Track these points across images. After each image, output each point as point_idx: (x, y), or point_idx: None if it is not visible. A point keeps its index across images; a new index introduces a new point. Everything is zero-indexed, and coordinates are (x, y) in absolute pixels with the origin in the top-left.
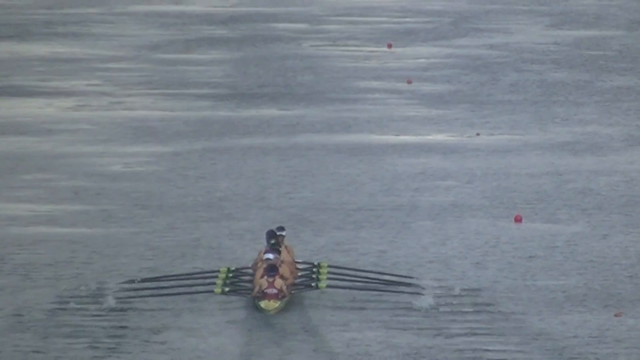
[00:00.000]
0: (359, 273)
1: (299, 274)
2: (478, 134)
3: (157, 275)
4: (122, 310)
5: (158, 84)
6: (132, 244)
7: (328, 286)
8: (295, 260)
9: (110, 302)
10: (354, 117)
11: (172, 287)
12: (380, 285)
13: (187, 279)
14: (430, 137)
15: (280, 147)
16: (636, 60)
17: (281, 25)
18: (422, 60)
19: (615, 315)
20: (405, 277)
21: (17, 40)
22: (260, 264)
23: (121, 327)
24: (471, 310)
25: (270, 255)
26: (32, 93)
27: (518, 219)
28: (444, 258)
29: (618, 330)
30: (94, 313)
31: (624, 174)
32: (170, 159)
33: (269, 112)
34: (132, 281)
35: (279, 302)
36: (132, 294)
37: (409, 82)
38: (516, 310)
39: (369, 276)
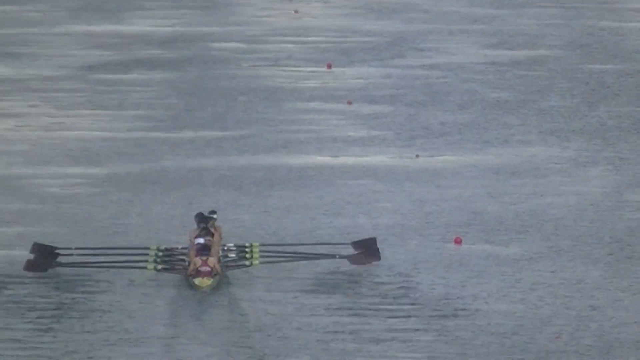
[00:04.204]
0: (288, 248)
1: (234, 254)
2: (417, 156)
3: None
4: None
5: (96, 104)
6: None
7: (261, 263)
8: (224, 242)
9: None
10: (293, 138)
11: (106, 261)
12: (308, 255)
13: (120, 254)
14: (369, 159)
15: (218, 168)
16: (574, 80)
17: (219, 45)
18: (362, 80)
19: (556, 338)
20: (335, 245)
21: None
22: (191, 245)
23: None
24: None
25: (201, 240)
26: None
27: (457, 241)
28: (380, 271)
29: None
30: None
31: (564, 196)
32: (107, 180)
33: (208, 133)
34: (69, 248)
35: (212, 280)
36: (67, 261)
37: (349, 102)
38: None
39: (298, 250)
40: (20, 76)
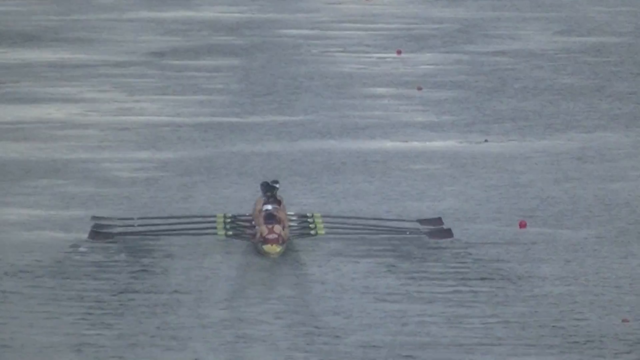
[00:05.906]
0: (352, 220)
1: (295, 224)
2: (486, 141)
3: (154, 216)
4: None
5: (165, 90)
6: None
7: (326, 233)
8: (287, 212)
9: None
10: (361, 124)
11: (174, 228)
12: (378, 230)
13: (187, 222)
14: (438, 144)
15: (285, 153)
16: None
17: (289, 32)
18: (432, 66)
19: (623, 321)
20: (403, 221)
21: (26, 47)
22: (258, 213)
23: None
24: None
25: (269, 207)
26: (41, 99)
27: (523, 225)
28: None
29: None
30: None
31: (633, 181)
32: (174, 165)
33: (276, 118)
34: (131, 219)
35: (281, 247)
36: (132, 230)
37: (419, 89)
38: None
39: (364, 223)
40: (90, 62)
